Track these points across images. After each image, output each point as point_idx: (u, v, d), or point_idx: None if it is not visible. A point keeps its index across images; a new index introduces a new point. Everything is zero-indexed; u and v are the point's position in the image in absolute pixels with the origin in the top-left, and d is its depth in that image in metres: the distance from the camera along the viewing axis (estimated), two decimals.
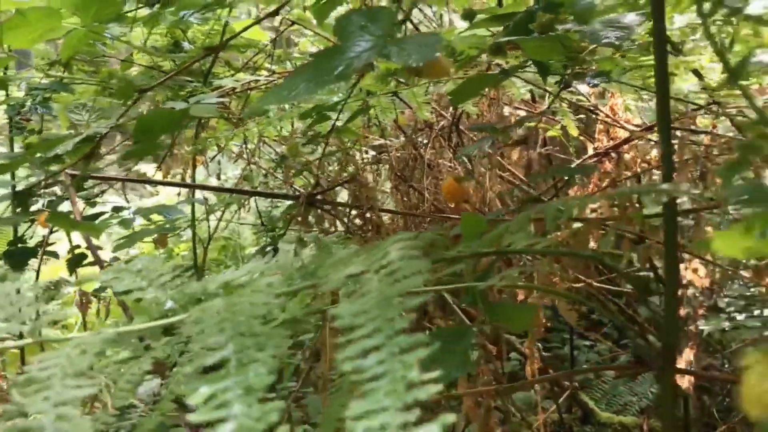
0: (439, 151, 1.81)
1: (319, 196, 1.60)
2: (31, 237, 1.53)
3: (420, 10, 2.01)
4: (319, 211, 1.60)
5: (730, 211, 1.25)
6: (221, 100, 1.33)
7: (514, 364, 2.31)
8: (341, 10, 1.48)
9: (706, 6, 0.53)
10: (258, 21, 1.19)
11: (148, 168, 2.63)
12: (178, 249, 2.65)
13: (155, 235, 1.65)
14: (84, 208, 1.52)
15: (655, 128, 1.32)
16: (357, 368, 0.34)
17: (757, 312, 2.21)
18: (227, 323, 0.39)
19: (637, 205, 1.00)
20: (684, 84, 1.34)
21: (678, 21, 1.26)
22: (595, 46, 0.86)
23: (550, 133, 1.82)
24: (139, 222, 1.57)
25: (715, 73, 1.28)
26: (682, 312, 1.63)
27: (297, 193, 1.58)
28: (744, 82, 1.15)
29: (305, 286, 0.48)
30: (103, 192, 1.71)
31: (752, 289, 2.16)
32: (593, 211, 1.31)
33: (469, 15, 0.93)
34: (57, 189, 1.34)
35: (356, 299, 0.39)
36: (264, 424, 0.32)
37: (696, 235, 1.18)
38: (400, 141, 1.85)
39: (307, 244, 1.53)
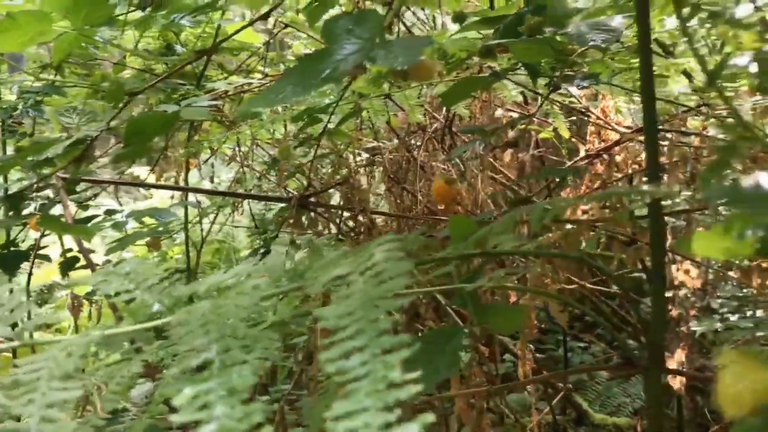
0: (432, 153, 1.82)
1: (312, 198, 1.60)
2: (23, 240, 1.53)
3: (413, 13, 2.02)
4: (312, 213, 1.60)
5: (723, 212, 1.26)
6: (213, 103, 1.33)
7: (509, 366, 2.32)
8: (334, 12, 1.49)
9: (686, 10, 0.53)
10: (249, 23, 1.19)
11: (141, 171, 2.63)
12: (172, 252, 2.65)
13: (148, 238, 1.65)
14: (76, 211, 1.52)
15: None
16: (340, 369, 0.34)
17: (749, 313, 2.23)
18: (212, 325, 0.39)
19: (629, 206, 1.00)
20: (675, 86, 1.35)
21: (669, 23, 1.27)
22: (584, 48, 0.86)
23: (542, 136, 1.83)
24: (132, 225, 1.57)
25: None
26: (674, 313, 1.64)
27: (290, 196, 1.59)
28: (734, 84, 1.15)
29: (292, 288, 0.48)
30: (95, 195, 1.71)
31: (745, 290, 2.17)
32: (584, 212, 1.32)
33: (459, 18, 0.94)
34: (49, 192, 1.34)
35: (341, 301, 0.40)
36: (246, 424, 0.32)
37: (687, 236, 1.19)
38: (393, 143, 1.86)
39: (301, 247, 1.53)
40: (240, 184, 1.90)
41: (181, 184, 1.88)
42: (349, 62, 0.51)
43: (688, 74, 1.24)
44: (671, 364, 1.60)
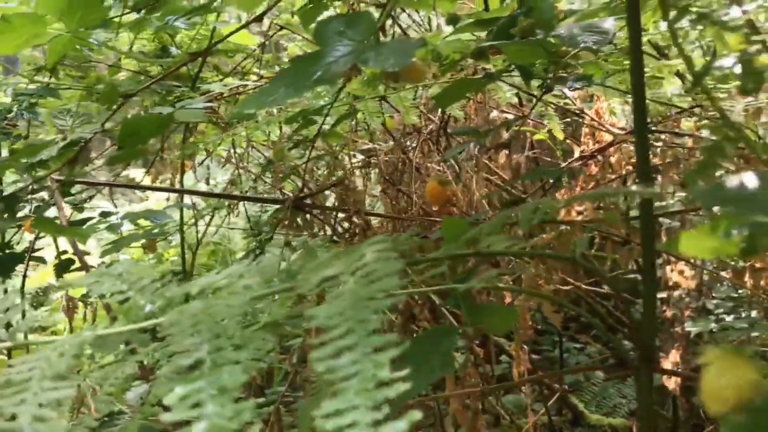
0: (428, 154, 1.82)
1: (308, 200, 1.60)
2: (18, 242, 1.53)
3: (408, 15, 2.02)
4: (307, 215, 1.60)
5: (717, 212, 1.26)
6: (208, 105, 1.33)
7: (505, 367, 2.32)
8: (328, 14, 1.49)
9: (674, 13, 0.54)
10: (244, 25, 1.20)
11: (137, 173, 2.63)
12: (168, 254, 2.64)
13: (143, 240, 1.65)
14: (71, 213, 1.52)
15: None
16: (329, 368, 0.35)
17: (745, 314, 2.23)
18: (203, 325, 0.40)
19: (620, 207, 1.01)
20: (669, 87, 1.36)
21: (663, 25, 1.27)
22: (577, 50, 0.87)
23: (537, 137, 1.83)
24: (127, 227, 1.57)
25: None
26: (669, 314, 1.65)
27: (284, 198, 1.59)
28: (726, 86, 1.16)
29: (283, 288, 0.48)
30: (91, 197, 1.71)
31: (740, 291, 2.17)
32: (579, 213, 1.32)
33: (453, 20, 0.94)
34: (44, 194, 1.34)
35: (331, 301, 0.40)
36: (236, 423, 0.33)
37: (676, 236, 1.19)
38: (388, 145, 1.86)
39: (296, 248, 1.53)
40: (235, 186, 1.90)
41: (177, 185, 1.88)
42: (341, 64, 0.52)
43: (681, 76, 1.25)
44: (666, 365, 1.61)
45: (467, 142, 1.19)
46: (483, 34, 1.03)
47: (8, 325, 0.58)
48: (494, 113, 1.72)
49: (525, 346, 1.36)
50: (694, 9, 0.54)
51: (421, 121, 1.80)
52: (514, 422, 1.90)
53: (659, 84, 1.37)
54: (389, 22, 1.82)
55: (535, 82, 1.11)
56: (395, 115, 1.77)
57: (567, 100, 1.62)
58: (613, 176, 1.41)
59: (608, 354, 2.60)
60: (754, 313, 2.17)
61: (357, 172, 1.96)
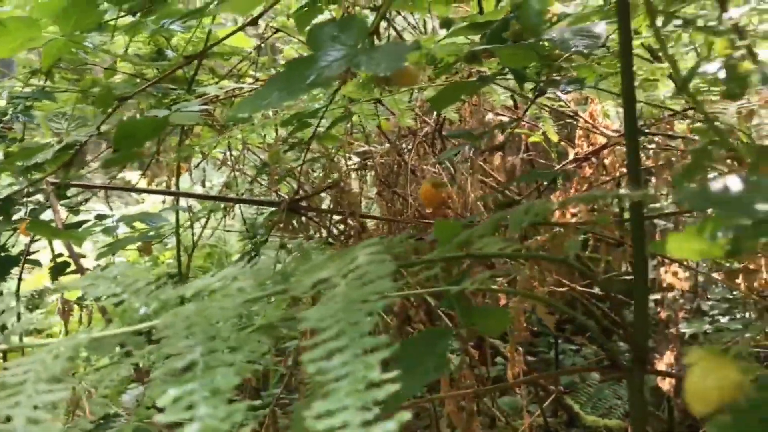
0: (423, 157, 1.83)
1: (303, 202, 1.60)
2: (14, 245, 1.53)
3: (404, 17, 2.03)
4: (302, 218, 1.61)
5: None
6: (204, 107, 1.33)
7: (500, 369, 2.33)
8: (323, 17, 1.49)
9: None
10: (239, 28, 1.20)
11: (133, 175, 2.63)
12: (164, 257, 2.64)
13: (139, 243, 1.66)
14: (67, 216, 1.52)
15: None
16: (321, 370, 0.35)
17: (740, 315, 2.24)
18: (197, 328, 0.40)
19: (611, 209, 1.02)
20: (663, 89, 1.37)
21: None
22: (569, 54, 0.87)
23: (532, 139, 1.84)
24: (123, 230, 1.57)
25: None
26: (663, 315, 1.65)
27: (279, 200, 1.59)
28: (718, 88, 1.17)
29: (276, 291, 0.48)
30: (86, 200, 1.71)
31: (735, 292, 2.18)
32: (573, 215, 1.33)
33: (446, 23, 0.95)
34: (40, 197, 1.34)
35: (323, 303, 0.40)
36: (228, 424, 0.33)
37: (663, 238, 1.20)
38: (384, 147, 1.87)
39: (292, 251, 1.54)
40: (230, 189, 1.90)
41: (173, 188, 1.88)
42: (334, 68, 0.52)
43: (674, 79, 1.26)
44: (661, 366, 1.62)
45: (462, 145, 1.19)
46: (477, 38, 1.03)
47: (3, 328, 0.58)
48: (489, 116, 1.73)
49: (520, 348, 1.37)
50: (680, 14, 0.55)
51: (416, 124, 1.80)
52: (509, 424, 1.91)
53: (654, 86, 1.37)
54: (384, 24, 1.83)
55: (529, 85, 1.11)
56: (391, 118, 1.78)
57: (561, 103, 1.63)
58: (607, 178, 1.42)
59: (603, 355, 2.61)
60: (748, 314, 2.18)
61: (353, 174, 1.97)
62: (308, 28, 0.61)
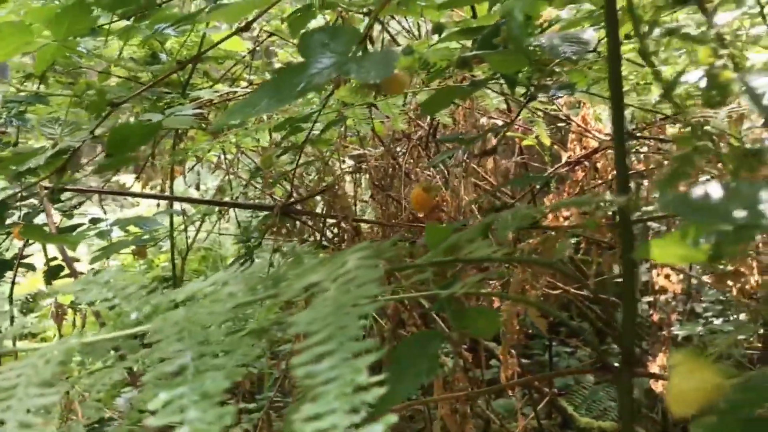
0: (417, 160, 1.83)
1: (298, 206, 1.61)
2: (7, 249, 1.53)
3: (398, 21, 2.04)
4: (297, 222, 1.61)
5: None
6: (198, 111, 1.34)
7: (495, 372, 2.33)
8: (317, 23, 1.50)
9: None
10: (233, 33, 1.21)
11: (128, 178, 2.63)
12: (158, 260, 2.64)
13: (133, 247, 1.66)
14: (60, 220, 1.52)
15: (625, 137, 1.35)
16: (309, 373, 0.36)
17: (734, 317, 2.25)
18: (187, 332, 0.41)
19: (599, 212, 1.02)
20: (656, 93, 1.37)
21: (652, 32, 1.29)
22: (559, 59, 0.88)
23: (525, 143, 1.85)
24: (118, 233, 1.57)
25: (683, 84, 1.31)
26: (655, 317, 1.66)
27: (273, 204, 1.60)
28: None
29: (267, 295, 0.49)
30: (80, 203, 1.71)
31: (728, 294, 2.19)
32: (565, 218, 1.34)
33: (438, 29, 0.96)
34: (35, 201, 1.34)
35: (313, 307, 0.41)
36: (218, 427, 0.34)
37: (646, 243, 1.21)
38: (378, 151, 1.87)
39: (286, 254, 1.54)
40: (222, 193, 1.91)
41: (167, 191, 1.88)
42: (324, 76, 0.53)
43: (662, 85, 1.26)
44: (654, 368, 1.62)
45: (455, 148, 1.20)
46: (470, 43, 1.04)
47: None
48: (483, 119, 1.74)
49: (513, 351, 1.38)
50: (665, 21, 0.55)
51: (410, 127, 1.81)
52: (504, 426, 1.91)
53: (647, 90, 1.38)
54: (378, 28, 1.84)
55: (521, 89, 1.12)
56: (385, 121, 1.79)
57: (554, 107, 1.64)
58: (599, 181, 1.43)
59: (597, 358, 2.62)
60: (742, 316, 2.19)
61: (348, 177, 1.97)
62: (299, 35, 0.62)
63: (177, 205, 1.93)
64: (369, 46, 1.49)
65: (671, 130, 1.49)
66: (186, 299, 0.54)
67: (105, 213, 1.72)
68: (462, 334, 0.86)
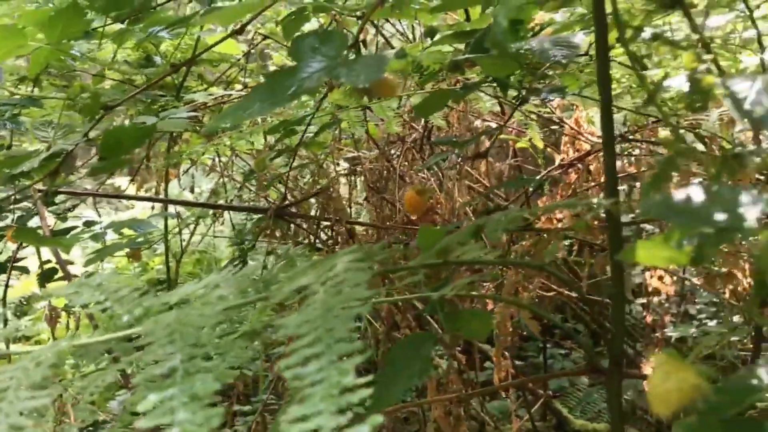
0: (412, 163, 1.84)
1: (293, 208, 1.61)
2: (1, 252, 1.53)
3: (392, 24, 2.04)
4: (291, 224, 1.61)
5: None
6: (192, 114, 1.34)
7: (490, 374, 2.34)
8: (311, 26, 1.50)
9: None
10: (227, 36, 1.21)
11: (122, 181, 2.63)
12: (153, 263, 2.64)
13: (128, 249, 1.66)
14: (55, 223, 1.52)
15: (616, 140, 1.36)
16: (297, 375, 0.36)
17: (728, 318, 2.26)
18: (177, 335, 0.41)
19: (587, 215, 1.03)
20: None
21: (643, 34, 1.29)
22: (547, 64, 0.89)
23: (519, 145, 1.86)
24: (112, 236, 1.57)
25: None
26: (649, 319, 1.67)
27: (266, 207, 1.60)
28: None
29: (257, 298, 0.49)
30: (74, 206, 1.71)
31: (722, 296, 2.20)
32: (558, 221, 1.34)
33: (430, 32, 0.96)
34: (29, 204, 1.34)
35: (302, 310, 0.41)
36: (206, 428, 0.34)
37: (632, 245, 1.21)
38: (373, 153, 1.88)
39: (280, 257, 1.54)
40: (217, 196, 1.91)
41: (162, 194, 1.88)
42: (314, 80, 0.53)
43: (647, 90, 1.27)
44: (647, 370, 1.63)
45: (448, 151, 1.20)
46: (463, 46, 1.05)
47: None
48: (477, 122, 1.74)
49: (507, 352, 1.38)
50: (650, 26, 0.56)
51: (405, 130, 1.82)
52: (498, 428, 1.91)
53: (640, 93, 1.39)
54: (373, 31, 1.84)
55: (514, 92, 1.13)
56: (380, 124, 1.79)
57: (547, 110, 1.64)
58: (592, 184, 1.43)
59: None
60: (736, 318, 2.20)
61: (343, 180, 1.98)
62: (291, 39, 0.62)
63: (171, 208, 1.93)
64: (363, 49, 1.50)
65: (663, 132, 1.50)
66: (178, 302, 0.54)
67: (99, 216, 1.72)
68: (455, 336, 0.86)
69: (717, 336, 2.15)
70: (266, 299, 0.49)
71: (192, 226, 1.93)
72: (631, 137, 1.37)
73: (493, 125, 1.73)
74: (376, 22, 1.70)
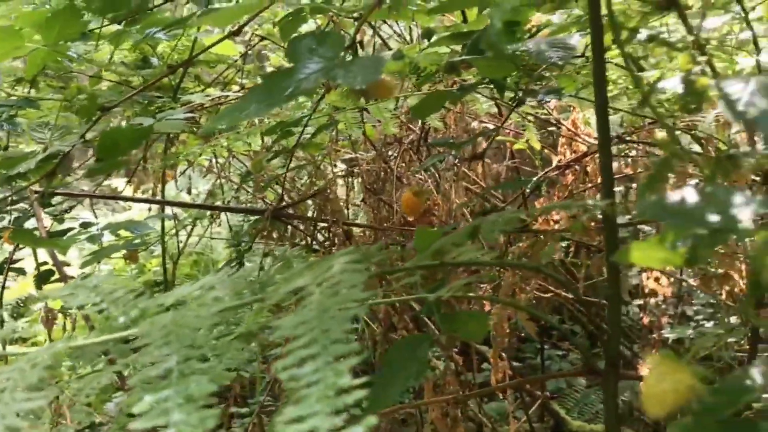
0: (409, 164, 1.84)
1: (290, 210, 1.61)
2: None
3: (390, 26, 2.05)
4: (288, 226, 1.61)
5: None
6: (189, 115, 1.34)
7: (488, 375, 2.33)
8: (308, 27, 1.50)
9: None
10: (224, 38, 1.21)
11: (119, 182, 2.63)
12: (150, 264, 2.64)
13: (125, 251, 1.66)
14: (51, 224, 1.52)
15: (613, 142, 1.36)
16: (293, 377, 0.36)
17: (726, 320, 2.26)
18: (172, 336, 0.41)
19: (583, 216, 1.03)
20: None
21: (640, 36, 1.30)
22: (544, 66, 0.89)
23: (516, 147, 1.86)
24: (109, 238, 1.57)
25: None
26: (646, 321, 1.67)
27: (263, 208, 1.60)
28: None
29: (253, 299, 0.49)
30: (71, 207, 1.71)
31: (720, 297, 2.20)
32: (555, 222, 1.35)
33: (427, 34, 0.96)
34: (26, 205, 1.34)
35: (298, 311, 0.41)
36: (201, 430, 0.34)
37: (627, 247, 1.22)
38: (370, 155, 1.88)
39: (278, 258, 1.54)
40: (213, 197, 1.91)
41: (159, 195, 1.88)
42: (311, 81, 0.54)
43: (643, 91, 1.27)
44: (644, 371, 1.63)
45: (445, 153, 1.21)
46: (459, 47, 1.05)
47: None
48: (474, 123, 1.75)
49: (504, 354, 1.38)
50: (646, 28, 0.56)
51: (402, 131, 1.82)
52: (495, 429, 1.91)
53: (637, 94, 1.39)
54: (370, 32, 1.85)
55: (511, 94, 1.13)
56: (377, 125, 1.79)
57: (544, 111, 1.65)
58: (589, 185, 1.44)
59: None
60: (733, 319, 2.20)
61: (340, 181, 1.98)
62: (288, 40, 0.62)
63: (168, 210, 1.93)
64: (360, 51, 1.50)
65: (661, 134, 1.50)
66: (174, 303, 0.54)
67: (96, 217, 1.72)
68: (451, 337, 0.86)
69: (714, 337, 2.15)
70: (262, 301, 0.49)
71: (189, 228, 1.93)
72: (627, 138, 1.37)
73: (491, 127, 1.74)
74: (373, 23, 1.70)
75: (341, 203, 1.69)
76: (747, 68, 1.16)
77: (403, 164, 1.83)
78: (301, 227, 1.69)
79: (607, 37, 0.66)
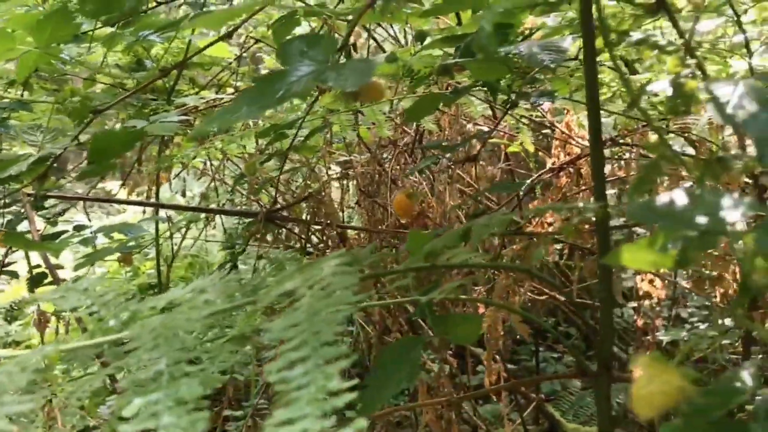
0: (403, 167, 1.84)
1: (284, 212, 1.61)
2: None
3: (384, 28, 2.05)
4: (282, 228, 1.61)
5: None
6: (183, 118, 1.34)
7: (482, 377, 2.33)
8: (301, 30, 1.51)
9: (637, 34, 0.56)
10: (218, 39, 1.21)
11: (113, 184, 2.62)
12: (144, 267, 2.63)
13: (118, 254, 1.65)
14: (44, 227, 1.51)
15: (606, 144, 1.36)
16: (283, 379, 0.36)
17: (720, 321, 2.27)
18: (162, 339, 0.41)
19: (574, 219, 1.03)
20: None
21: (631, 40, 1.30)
22: (536, 69, 0.89)
23: (510, 149, 1.86)
24: (103, 240, 1.56)
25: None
26: (640, 323, 1.67)
27: (257, 210, 1.60)
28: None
29: (244, 302, 0.49)
30: (65, 210, 1.70)
31: (715, 299, 2.21)
32: (549, 225, 1.35)
33: (420, 36, 0.97)
34: (19, 208, 1.34)
35: (288, 314, 0.41)
36: None
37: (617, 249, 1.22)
38: (365, 157, 1.88)
39: (272, 261, 1.54)
40: (207, 200, 1.91)
41: (153, 197, 1.88)
42: (302, 84, 0.54)
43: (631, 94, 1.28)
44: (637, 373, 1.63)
45: (439, 155, 1.21)
46: (453, 50, 1.05)
47: None
48: (468, 126, 1.75)
49: (498, 356, 1.38)
50: (636, 31, 0.57)
51: (396, 134, 1.82)
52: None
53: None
54: (365, 35, 1.85)
55: (504, 96, 1.13)
56: (371, 128, 1.79)
57: (538, 114, 1.65)
58: (583, 187, 1.44)
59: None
60: (727, 321, 2.21)
61: (334, 184, 1.97)
62: (280, 43, 0.62)
63: (163, 212, 1.93)
64: (354, 53, 1.50)
65: (653, 136, 1.50)
66: (165, 306, 0.54)
67: (90, 220, 1.71)
68: (443, 339, 0.86)
69: (707, 339, 2.16)
70: (254, 303, 0.49)
71: (183, 230, 1.92)
72: (620, 141, 1.38)
73: (485, 129, 1.74)
74: (367, 26, 1.70)
75: (335, 206, 1.69)
76: (740, 71, 1.16)
77: (398, 167, 1.83)
78: (296, 230, 1.68)
79: (599, 40, 0.67)
